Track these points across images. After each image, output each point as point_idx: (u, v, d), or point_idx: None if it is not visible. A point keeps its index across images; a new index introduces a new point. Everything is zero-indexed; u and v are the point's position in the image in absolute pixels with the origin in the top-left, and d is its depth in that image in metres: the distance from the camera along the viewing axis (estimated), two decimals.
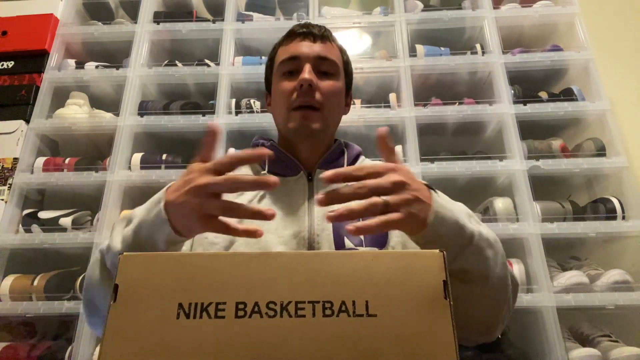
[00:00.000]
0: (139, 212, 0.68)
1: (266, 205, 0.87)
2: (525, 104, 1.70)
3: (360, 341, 0.46)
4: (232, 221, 0.60)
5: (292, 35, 0.96)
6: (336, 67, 0.94)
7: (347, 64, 1.01)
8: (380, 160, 1.05)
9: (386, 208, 0.58)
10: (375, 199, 0.58)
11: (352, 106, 1.73)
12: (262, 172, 0.94)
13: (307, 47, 0.92)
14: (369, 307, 0.48)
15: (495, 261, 0.70)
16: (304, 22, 0.98)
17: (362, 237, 0.82)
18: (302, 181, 0.91)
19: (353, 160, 1.00)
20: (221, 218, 0.60)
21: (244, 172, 0.98)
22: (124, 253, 0.52)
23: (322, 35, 0.95)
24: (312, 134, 0.90)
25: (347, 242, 0.82)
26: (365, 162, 1.02)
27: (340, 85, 0.95)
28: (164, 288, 0.49)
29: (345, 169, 0.61)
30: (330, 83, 0.92)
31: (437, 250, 0.52)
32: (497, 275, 0.70)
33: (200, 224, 0.60)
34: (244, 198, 0.89)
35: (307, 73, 0.88)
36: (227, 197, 0.89)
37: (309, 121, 0.89)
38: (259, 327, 0.47)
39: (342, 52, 1.01)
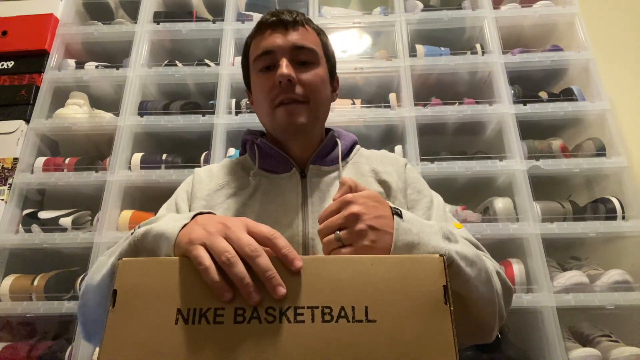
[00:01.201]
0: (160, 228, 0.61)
1: (259, 208, 0.85)
2: (525, 104, 1.70)
3: (359, 347, 0.46)
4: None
5: (263, 27, 0.89)
6: (315, 54, 0.88)
7: (326, 46, 0.94)
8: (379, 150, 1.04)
9: (341, 242, 0.61)
10: (327, 239, 0.62)
11: (352, 106, 1.76)
12: (252, 170, 0.91)
13: (280, 39, 0.86)
14: (368, 312, 0.48)
15: (479, 279, 0.68)
16: (273, 10, 0.90)
17: None
18: (295, 178, 0.88)
19: (348, 152, 0.97)
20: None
21: (235, 168, 0.95)
22: (123, 259, 0.51)
23: (294, 21, 0.88)
24: (300, 129, 0.86)
25: None
26: (360, 153, 0.99)
27: (322, 73, 0.89)
28: (163, 293, 0.49)
29: (318, 220, 0.66)
30: (311, 73, 0.86)
31: (437, 255, 0.51)
32: (481, 292, 0.68)
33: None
34: (238, 199, 0.87)
35: (284, 68, 0.82)
36: (218, 195, 0.89)
37: (294, 116, 0.84)
38: (257, 332, 0.47)
39: (320, 33, 0.94)
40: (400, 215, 0.63)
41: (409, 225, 0.63)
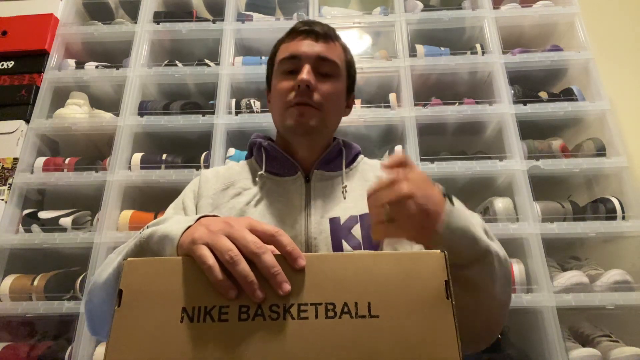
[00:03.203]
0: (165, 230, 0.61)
1: (263, 207, 0.87)
2: (525, 104, 1.70)
3: (363, 342, 0.46)
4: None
5: (294, 33, 0.93)
6: (337, 68, 0.92)
7: (349, 64, 0.98)
8: (379, 159, 1.05)
9: (389, 218, 0.61)
10: (375, 210, 0.63)
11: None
12: (260, 171, 0.93)
13: (307, 47, 0.90)
14: (371, 308, 0.48)
15: (502, 280, 0.69)
16: (307, 20, 0.94)
17: (360, 240, 0.82)
18: (300, 182, 0.91)
19: (351, 161, 0.99)
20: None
21: (241, 170, 0.97)
22: (128, 258, 0.51)
23: (324, 34, 0.92)
24: (309, 131, 0.89)
25: (345, 246, 0.82)
26: (364, 162, 1.02)
27: (340, 87, 0.93)
28: (168, 292, 0.49)
29: (367, 192, 0.65)
30: (329, 85, 0.90)
31: (439, 251, 0.51)
32: (499, 292, 0.69)
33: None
34: (242, 199, 0.89)
35: (305, 74, 0.86)
36: (224, 194, 0.90)
37: (305, 118, 0.87)
38: (262, 329, 0.47)
39: (346, 51, 0.98)
40: (451, 200, 0.64)
41: (458, 212, 0.64)
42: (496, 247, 0.68)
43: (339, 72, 0.93)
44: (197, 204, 0.90)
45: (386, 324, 0.47)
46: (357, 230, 0.83)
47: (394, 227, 0.61)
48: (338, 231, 0.83)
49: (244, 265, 0.49)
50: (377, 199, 0.63)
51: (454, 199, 0.66)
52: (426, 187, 0.63)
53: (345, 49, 0.98)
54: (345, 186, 0.91)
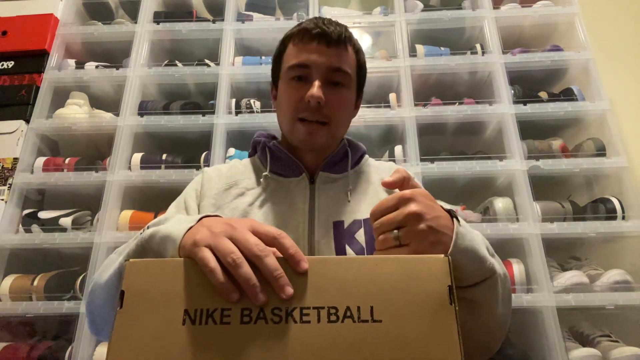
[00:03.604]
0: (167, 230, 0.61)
1: (267, 209, 0.86)
2: (525, 104, 1.70)
3: (365, 347, 0.46)
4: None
5: (306, 35, 0.87)
6: (349, 78, 0.88)
7: (361, 67, 0.95)
8: (380, 160, 1.05)
9: (399, 241, 0.58)
10: (384, 237, 0.59)
11: None
12: (264, 172, 0.92)
13: (319, 56, 0.85)
14: (373, 312, 0.48)
15: (503, 297, 0.68)
16: (319, 19, 0.89)
17: (364, 245, 0.81)
18: (304, 183, 0.89)
19: (357, 161, 0.98)
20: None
21: (244, 169, 0.97)
22: (130, 260, 0.51)
23: (337, 38, 0.86)
24: (317, 148, 0.89)
25: (348, 250, 0.81)
26: (368, 163, 1.00)
27: (350, 96, 0.91)
28: (170, 294, 0.49)
29: (370, 214, 0.62)
30: (340, 96, 0.87)
31: (442, 255, 0.51)
32: (501, 311, 0.69)
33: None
34: (245, 200, 0.87)
35: (315, 90, 0.83)
36: (226, 194, 0.90)
37: (313, 136, 0.86)
38: (264, 333, 0.47)
39: (358, 52, 0.94)
40: (457, 219, 0.62)
41: (464, 230, 0.62)
42: (497, 264, 0.67)
43: (350, 81, 0.90)
44: (199, 204, 0.89)
45: (389, 329, 0.47)
46: (360, 235, 0.82)
47: (404, 251, 0.57)
48: (341, 235, 0.82)
49: (246, 268, 0.49)
50: (385, 225, 0.59)
51: (459, 217, 0.63)
52: (433, 205, 0.60)
53: (358, 51, 0.94)
54: (350, 189, 0.90)
